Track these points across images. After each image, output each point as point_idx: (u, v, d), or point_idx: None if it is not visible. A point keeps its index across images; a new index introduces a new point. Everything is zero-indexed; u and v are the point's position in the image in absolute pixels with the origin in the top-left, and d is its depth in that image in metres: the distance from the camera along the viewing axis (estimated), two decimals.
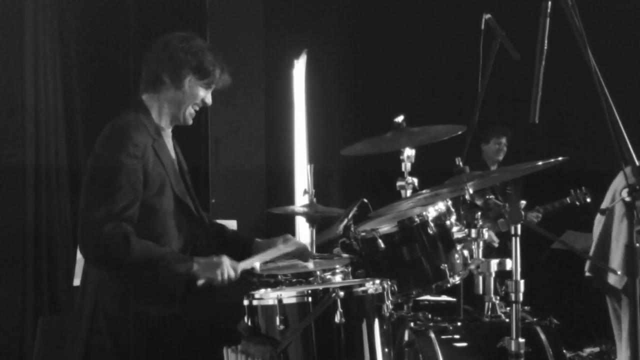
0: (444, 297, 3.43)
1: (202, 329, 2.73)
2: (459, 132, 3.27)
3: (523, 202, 2.56)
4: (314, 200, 3.67)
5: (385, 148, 3.29)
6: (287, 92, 5.81)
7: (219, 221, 3.27)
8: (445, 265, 2.83)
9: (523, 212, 2.51)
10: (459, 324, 2.80)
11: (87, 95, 5.29)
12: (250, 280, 2.95)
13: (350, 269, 2.96)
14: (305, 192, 3.74)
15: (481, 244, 2.86)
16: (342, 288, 2.39)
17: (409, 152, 3.24)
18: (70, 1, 5.19)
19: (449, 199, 2.95)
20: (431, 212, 2.87)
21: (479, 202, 2.83)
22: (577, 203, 5.85)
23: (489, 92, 3.78)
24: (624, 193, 2.05)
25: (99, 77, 5.34)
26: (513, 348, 2.49)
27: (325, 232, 3.31)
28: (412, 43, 6.17)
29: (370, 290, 2.47)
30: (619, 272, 3.96)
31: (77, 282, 4.28)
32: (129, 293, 2.71)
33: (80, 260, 4.26)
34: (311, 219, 3.65)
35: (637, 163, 2.09)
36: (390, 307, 2.53)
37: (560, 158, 2.65)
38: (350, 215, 3.16)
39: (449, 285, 2.86)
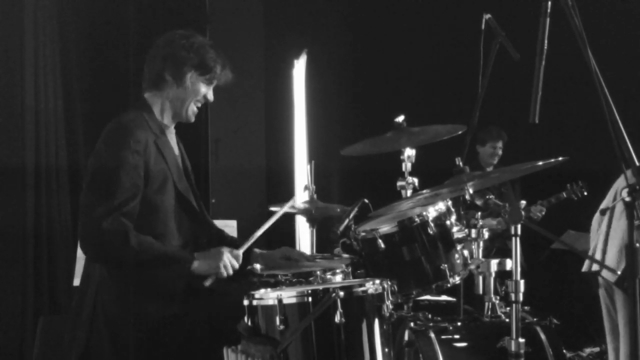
0: (444, 297, 3.43)
1: (202, 329, 2.73)
2: (459, 132, 3.27)
3: (523, 202, 2.56)
4: (315, 196, 3.68)
5: (385, 148, 3.29)
6: (287, 92, 5.81)
7: (219, 221, 3.27)
8: (445, 265, 2.83)
9: (523, 212, 2.52)
10: (459, 324, 2.81)
11: (87, 95, 5.29)
12: (250, 280, 2.95)
13: (350, 269, 2.96)
14: (305, 188, 3.75)
15: (481, 244, 2.86)
16: (342, 288, 2.38)
17: (409, 152, 3.24)
18: (70, 1, 5.19)
19: (449, 199, 2.95)
20: (431, 212, 2.87)
21: (479, 202, 2.83)
22: (574, 197, 5.83)
23: (489, 92, 3.78)
24: (624, 193, 2.05)
25: (99, 77, 5.34)
26: (513, 348, 2.49)
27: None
28: (412, 43, 6.17)
29: (370, 290, 2.46)
30: (618, 272, 3.96)
31: (77, 282, 4.28)
32: (129, 293, 2.71)
33: (80, 260, 4.26)
34: (311, 217, 3.65)
35: (637, 163, 2.08)
36: (390, 307, 2.53)
37: (560, 158, 2.65)
38: (351, 215, 3.17)
39: (449, 285, 2.86)
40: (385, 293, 2.50)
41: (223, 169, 6.01)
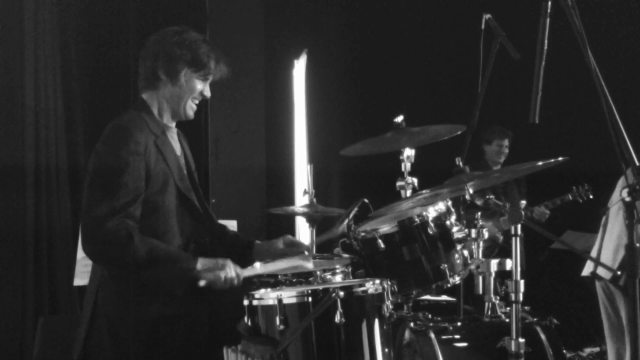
0: (444, 297, 3.43)
1: (202, 329, 2.73)
2: (459, 132, 3.27)
3: (523, 202, 2.56)
4: (314, 200, 3.67)
5: (385, 148, 3.29)
6: (287, 92, 5.81)
7: (219, 221, 3.27)
8: (445, 265, 2.83)
9: (523, 212, 2.52)
10: (459, 324, 2.81)
11: (87, 95, 5.29)
12: (250, 280, 2.95)
13: (350, 269, 2.96)
14: (305, 192, 3.74)
15: (481, 244, 2.86)
16: (342, 288, 2.38)
17: (409, 152, 3.24)
18: (70, 1, 5.19)
19: (449, 199, 2.94)
20: (431, 212, 2.87)
21: (479, 202, 2.83)
22: (579, 200, 5.83)
23: (489, 92, 3.78)
24: (624, 193, 2.05)
25: (99, 77, 5.34)
26: (513, 348, 2.49)
27: (325, 233, 3.31)
28: (412, 43, 6.18)
29: (370, 290, 2.46)
30: (619, 273, 3.96)
31: (77, 282, 4.30)
32: (129, 292, 2.71)
33: (80, 260, 4.28)
34: (311, 219, 3.65)
35: (637, 163, 2.08)
36: (390, 307, 2.53)
37: (560, 158, 2.65)
38: (351, 215, 3.16)
39: (449, 285, 2.86)
40: (385, 293, 2.50)
41: (223, 169, 6.00)
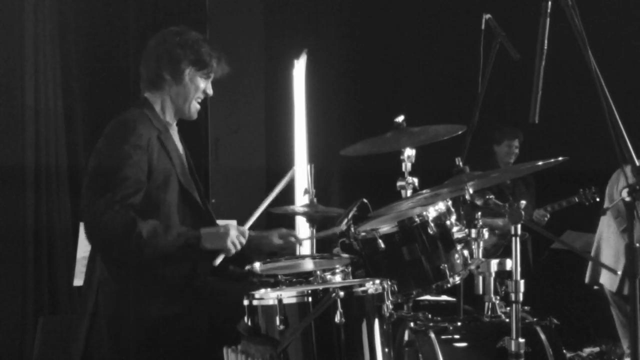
0: (444, 297, 3.43)
1: (202, 329, 2.73)
2: (459, 132, 3.27)
3: (523, 202, 2.56)
4: (314, 200, 3.67)
5: (385, 148, 3.28)
6: (287, 92, 5.80)
7: (219, 221, 3.27)
8: (445, 265, 2.83)
9: (523, 212, 2.52)
10: (459, 324, 2.80)
11: (87, 95, 5.29)
12: (250, 280, 2.95)
13: (350, 269, 2.96)
14: (305, 191, 3.74)
15: (481, 244, 2.86)
16: (342, 288, 2.38)
17: (409, 152, 3.23)
18: (70, 1, 5.19)
19: (449, 199, 2.94)
20: (431, 212, 2.87)
21: (479, 202, 2.83)
22: (586, 202, 5.82)
23: (489, 92, 3.78)
24: (624, 193, 2.05)
25: (99, 77, 5.34)
26: (513, 348, 2.49)
27: (324, 231, 3.33)
28: (412, 43, 6.18)
29: (370, 290, 2.46)
30: (618, 273, 3.97)
31: (77, 282, 4.30)
32: (130, 293, 2.71)
33: (80, 260, 4.28)
34: (311, 219, 3.64)
35: (637, 163, 2.08)
36: (390, 307, 2.53)
37: (560, 158, 2.65)
38: (350, 215, 3.16)
39: (449, 285, 2.86)
40: (385, 293, 2.50)
41: (223, 169, 6.00)
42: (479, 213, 2.90)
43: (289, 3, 6.36)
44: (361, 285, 2.48)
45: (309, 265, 3.10)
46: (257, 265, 2.96)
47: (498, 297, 2.86)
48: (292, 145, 5.75)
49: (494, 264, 2.79)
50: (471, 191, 2.80)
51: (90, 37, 5.33)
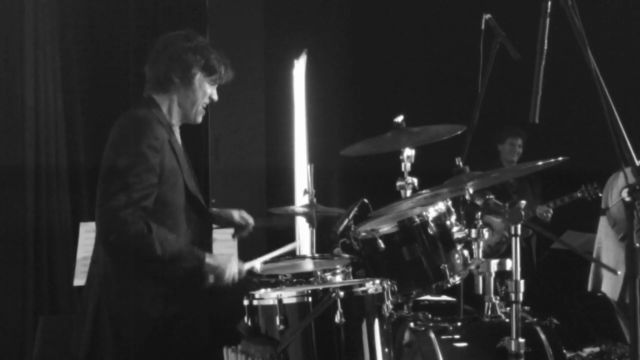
0: (444, 297, 3.43)
1: (202, 329, 2.73)
2: (459, 132, 3.27)
3: (523, 202, 2.55)
4: (314, 200, 3.67)
5: (385, 148, 3.28)
6: (287, 92, 5.80)
7: (218, 229, 3.31)
8: (445, 265, 2.83)
9: (523, 212, 2.51)
10: (459, 324, 2.80)
11: (87, 95, 5.29)
12: (250, 280, 2.95)
13: (350, 269, 2.96)
14: (305, 192, 3.74)
15: (481, 244, 2.86)
16: (342, 288, 2.39)
17: (409, 152, 3.24)
18: (70, 1, 5.19)
19: (449, 199, 2.94)
20: (431, 212, 2.87)
21: (479, 202, 2.83)
22: (588, 198, 5.81)
23: (489, 92, 3.78)
24: (624, 193, 2.05)
25: (99, 77, 5.35)
26: (513, 348, 2.49)
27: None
28: (412, 43, 6.17)
29: (370, 290, 2.47)
30: (619, 272, 3.97)
31: (77, 282, 4.29)
32: (131, 292, 2.72)
33: (80, 260, 4.28)
34: (311, 219, 3.64)
35: (638, 163, 2.08)
36: (390, 307, 2.53)
37: (560, 158, 2.65)
38: (351, 215, 3.16)
39: (449, 285, 2.86)
40: (385, 293, 2.51)
41: (223, 169, 6.00)
42: (479, 213, 2.89)
43: (289, 3, 6.35)
44: (361, 285, 2.48)
45: (309, 265, 3.11)
46: (257, 265, 2.96)
47: (498, 297, 2.86)
48: (292, 145, 5.75)
49: (494, 264, 2.79)
50: (471, 191, 2.80)
51: (90, 37, 5.33)
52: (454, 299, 3.21)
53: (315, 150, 5.59)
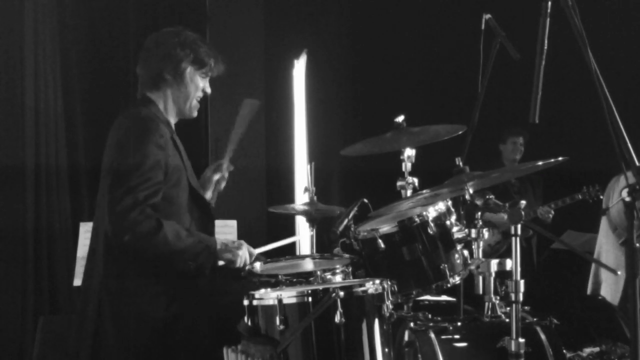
0: (444, 297, 3.43)
1: (203, 329, 2.73)
2: (459, 132, 3.27)
3: (523, 202, 2.55)
4: (315, 198, 3.67)
5: (385, 148, 3.28)
6: (287, 92, 5.80)
7: (219, 221, 3.31)
8: (445, 265, 2.83)
9: (523, 212, 2.51)
10: (459, 324, 2.80)
11: (87, 95, 5.29)
12: (250, 280, 2.95)
13: (350, 269, 2.96)
14: (305, 189, 3.74)
15: (481, 244, 2.86)
16: (342, 288, 2.38)
17: (409, 152, 3.24)
18: (70, 1, 5.19)
19: (449, 199, 2.94)
20: (431, 212, 2.87)
21: (479, 202, 2.82)
22: (589, 200, 5.81)
23: (489, 92, 3.78)
24: (624, 193, 2.05)
25: (99, 77, 5.35)
26: (513, 348, 2.49)
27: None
28: (412, 43, 6.17)
29: (370, 290, 2.46)
30: (619, 272, 3.97)
31: (77, 282, 4.29)
32: (131, 292, 2.72)
33: (80, 260, 4.28)
34: (311, 218, 3.64)
35: (638, 163, 2.08)
36: (390, 307, 2.53)
37: (560, 158, 2.65)
38: (351, 215, 3.16)
39: (449, 285, 2.86)
40: (385, 293, 2.50)
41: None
42: (479, 213, 2.89)
43: (289, 3, 6.35)
44: (361, 285, 2.48)
45: (309, 265, 3.10)
46: (257, 265, 2.96)
47: (498, 297, 2.86)
48: (292, 145, 5.75)
49: (494, 264, 2.79)
50: (471, 191, 2.80)
51: (90, 37, 5.34)
52: (454, 299, 3.21)
53: (315, 150, 5.59)
